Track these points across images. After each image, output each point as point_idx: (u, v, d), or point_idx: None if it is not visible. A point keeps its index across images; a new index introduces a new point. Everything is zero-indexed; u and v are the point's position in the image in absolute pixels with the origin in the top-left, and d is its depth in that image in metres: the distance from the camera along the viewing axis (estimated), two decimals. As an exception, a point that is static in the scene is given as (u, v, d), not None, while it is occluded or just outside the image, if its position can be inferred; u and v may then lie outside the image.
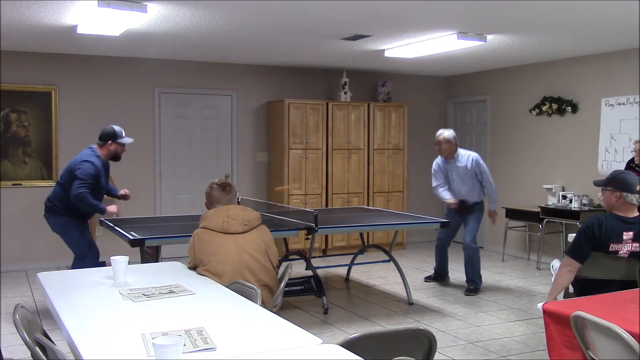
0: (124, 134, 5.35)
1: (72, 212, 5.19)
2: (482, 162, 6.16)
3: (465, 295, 6.11)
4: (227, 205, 3.72)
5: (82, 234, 5.28)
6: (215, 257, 3.50)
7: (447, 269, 6.67)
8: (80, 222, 5.28)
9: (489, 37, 6.03)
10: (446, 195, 6.23)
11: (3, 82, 6.95)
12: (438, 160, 6.32)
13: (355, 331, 2.89)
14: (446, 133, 6.16)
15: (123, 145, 5.35)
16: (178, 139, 7.92)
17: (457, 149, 6.18)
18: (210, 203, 3.82)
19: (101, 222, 5.46)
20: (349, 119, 8.23)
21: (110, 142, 5.26)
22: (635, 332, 2.41)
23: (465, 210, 6.23)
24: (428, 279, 6.72)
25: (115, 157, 5.38)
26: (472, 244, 6.15)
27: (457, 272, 6.79)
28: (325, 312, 5.38)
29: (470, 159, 6.13)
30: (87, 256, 5.21)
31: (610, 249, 3.58)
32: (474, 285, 6.19)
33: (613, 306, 2.96)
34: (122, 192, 5.60)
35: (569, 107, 7.38)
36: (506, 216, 7.75)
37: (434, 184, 6.35)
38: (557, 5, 4.75)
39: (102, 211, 5.16)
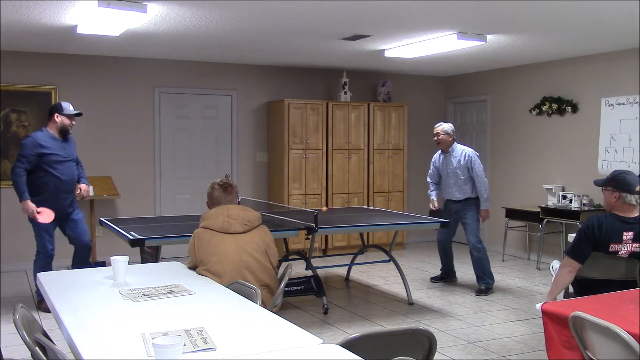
0: (70, 107, 5.31)
1: (39, 202, 5.15)
2: (476, 158, 6.15)
3: (476, 295, 6.08)
4: (227, 205, 3.73)
5: (38, 227, 5.23)
6: (215, 256, 3.50)
7: (453, 268, 6.66)
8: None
9: (489, 37, 6.03)
10: (431, 195, 6.46)
11: (3, 82, 6.95)
12: (436, 155, 6.45)
13: (355, 331, 2.89)
14: (445, 125, 6.26)
15: (70, 117, 5.26)
16: (178, 139, 7.92)
17: (453, 143, 6.23)
18: (211, 203, 3.83)
19: (101, 222, 5.45)
20: (349, 119, 8.23)
21: (56, 114, 5.20)
22: (635, 333, 2.41)
23: (458, 210, 6.23)
24: (434, 279, 6.70)
25: (64, 130, 5.28)
26: (477, 244, 6.15)
27: (458, 272, 6.77)
28: (325, 312, 5.38)
29: (464, 154, 6.17)
30: (41, 252, 5.26)
31: (610, 249, 3.58)
32: (485, 285, 6.16)
33: (612, 306, 2.96)
34: (80, 186, 5.49)
35: (569, 107, 7.38)
36: (506, 216, 7.75)
37: (428, 179, 6.58)
38: (557, 5, 4.75)
39: (20, 199, 5.10)
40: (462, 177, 6.16)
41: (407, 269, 7.05)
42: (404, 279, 5.83)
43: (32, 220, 5.24)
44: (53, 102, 7.22)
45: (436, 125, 6.31)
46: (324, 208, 6.57)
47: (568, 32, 5.88)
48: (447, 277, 6.65)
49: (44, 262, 5.31)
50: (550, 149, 7.72)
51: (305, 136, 7.97)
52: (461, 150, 6.19)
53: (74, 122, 5.33)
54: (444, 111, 9.41)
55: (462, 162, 6.14)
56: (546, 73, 7.75)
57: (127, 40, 6.22)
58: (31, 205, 5.12)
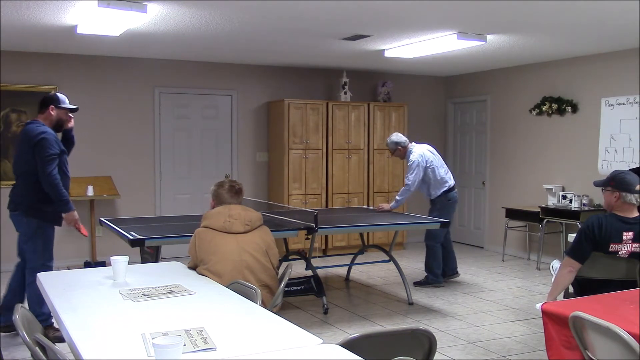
0: (67, 100, 4.69)
1: (44, 212, 4.47)
2: (413, 165, 6.24)
3: (414, 285, 6.32)
4: (229, 205, 3.72)
5: (51, 242, 4.57)
6: (215, 256, 3.50)
7: (451, 266, 6.66)
8: (53, 225, 4.59)
9: (489, 37, 6.03)
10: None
11: (3, 82, 6.95)
12: None
13: (355, 331, 2.89)
14: (391, 139, 6.46)
15: (67, 111, 4.65)
16: (178, 139, 7.92)
17: (407, 151, 6.39)
18: (217, 203, 3.80)
19: (101, 222, 5.45)
20: (349, 119, 8.23)
21: (52, 106, 4.55)
22: (635, 333, 2.41)
23: (430, 209, 6.49)
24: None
25: (60, 125, 4.63)
26: (426, 239, 6.43)
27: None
28: (325, 312, 5.38)
29: (410, 162, 6.33)
30: (43, 269, 4.19)
31: (610, 249, 3.58)
32: (424, 279, 6.41)
33: (612, 306, 2.97)
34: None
35: (569, 107, 7.38)
36: (506, 216, 7.75)
37: None
38: (557, 5, 4.75)
39: (65, 209, 4.43)
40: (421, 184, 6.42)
41: (407, 269, 7.05)
42: (404, 279, 5.83)
43: (46, 233, 4.53)
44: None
45: (386, 144, 6.56)
46: (382, 206, 6.54)
47: (568, 32, 5.88)
48: (445, 275, 6.64)
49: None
50: (550, 149, 7.72)
51: (305, 136, 7.97)
52: (410, 157, 6.33)
53: (71, 119, 4.73)
54: (444, 111, 9.41)
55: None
56: (546, 73, 7.75)
57: (127, 40, 6.22)
58: (76, 215, 4.54)
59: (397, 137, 6.44)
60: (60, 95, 4.67)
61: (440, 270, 6.41)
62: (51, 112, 4.56)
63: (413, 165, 6.24)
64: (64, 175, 4.50)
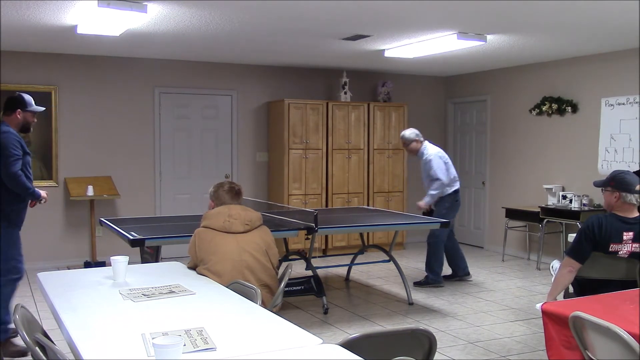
0: (33, 102, 4.59)
1: (7, 216, 4.35)
2: (435, 161, 6.22)
3: (414, 285, 6.28)
4: (229, 205, 3.73)
5: (18, 245, 4.45)
6: (215, 256, 3.50)
7: (461, 266, 6.65)
8: (17, 229, 4.46)
9: (489, 37, 6.03)
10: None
11: (3, 82, 6.95)
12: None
13: (355, 331, 2.89)
14: (406, 134, 6.44)
15: (33, 113, 4.58)
16: (178, 139, 7.92)
17: (422, 146, 6.37)
18: (216, 204, 3.81)
19: (101, 222, 5.45)
20: (349, 119, 8.23)
21: (18, 110, 4.46)
22: (635, 333, 2.41)
23: (434, 208, 6.43)
24: (445, 278, 6.69)
25: (26, 128, 4.57)
26: (428, 238, 6.37)
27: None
28: (325, 312, 5.38)
29: (426, 158, 6.31)
30: (14, 272, 4.33)
31: (610, 249, 3.58)
32: (425, 279, 6.37)
33: (612, 306, 2.97)
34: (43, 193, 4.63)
35: (569, 107, 7.38)
36: (506, 216, 7.75)
37: None
38: (557, 5, 4.75)
39: (33, 197, 4.43)
40: (426, 179, 6.36)
41: (407, 269, 7.05)
42: (404, 279, 5.83)
43: (12, 239, 4.42)
44: (53, 102, 7.23)
45: (400, 137, 6.53)
46: (419, 205, 6.50)
47: (568, 32, 5.88)
48: (455, 275, 6.63)
49: (14, 286, 4.47)
50: (550, 149, 7.71)
51: (305, 136, 7.97)
52: (426, 155, 6.32)
53: (35, 120, 4.64)
54: (444, 111, 9.41)
55: (425, 166, 6.33)
56: (546, 73, 7.75)
57: (127, 40, 6.22)
58: (44, 193, 4.55)
59: (416, 131, 6.43)
60: (27, 97, 4.56)
61: (441, 270, 6.39)
62: (17, 115, 4.47)
63: (433, 159, 6.21)
64: (27, 178, 4.41)
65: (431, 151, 6.31)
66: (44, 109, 4.83)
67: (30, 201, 4.54)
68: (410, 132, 6.43)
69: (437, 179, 6.19)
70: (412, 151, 6.46)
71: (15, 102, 4.49)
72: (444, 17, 5.21)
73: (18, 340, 4.30)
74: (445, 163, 6.30)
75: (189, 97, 7.95)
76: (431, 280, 6.34)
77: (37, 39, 6.25)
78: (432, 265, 6.36)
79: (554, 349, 2.87)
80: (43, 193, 4.56)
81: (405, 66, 8.15)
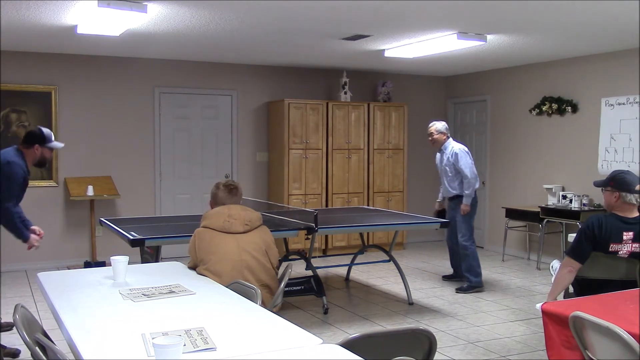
0: (52, 137, 4.59)
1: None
2: (462, 155, 6.14)
3: (456, 292, 6.16)
4: (228, 205, 3.73)
5: None
6: (215, 256, 3.51)
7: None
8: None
9: (489, 37, 6.03)
10: (438, 196, 6.65)
11: (3, 82, 6.95)
12: (438, 153, 6.48)
13: (355, 331, 2.89)
14: (438, 125, 6.33)
15: (51, 150, 4.58)
16: (178, 139, 7.92)
17: (447, 141, 6.28)
18: (215, 203, 3.82)
19: (101, 222, 5.45)
20: (349, 119, 8.23)
21: (37, 145, 4.45)
22: (635, 333, 2.41)
23: (452, 207, 6.32)
24: (446, 278, 6.72)
25: (42, 163, 4.60)
26: (463, 242, 6.21)
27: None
28: (325, 312, 5.38)
29: (452, 151, 6.21)
30: None
31: (610, 249, 3.58)
32: (467, 283, 6.21)
33: (612, 306, 2.97)
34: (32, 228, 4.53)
35: (569, 107, 7.38)
36: (506, 216, 7.74)
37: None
38: (557, 5, 4.75)
39: (24, 240, 4.35)
40: (449, 175, 6.24)
41: (407, 269, 7.05)
42: (404, 279, 5.83)
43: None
44: (53, 102, 7.23)
45: (430, 125, 6.38)
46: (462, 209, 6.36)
47: (568, 32, 5.88)
48: (456, 275, 6.61)
49: None
50: (550, 149, 7.71)
51: (305, 136, 7.97)
52: (450, 148, 6.24)
53: (51, 156, 4.68)
54: (444, 111, 9.41)
55: (450, 160, 6.21)
56: (546, 73, 7.75)
57: (127, 40, 6.22)
58: (34, 236, 4.47)
59: (446, 124, 6.37)
60: (47, 132, 4.54)
61: (481, 269, 6.27)
62: (35, 150, 4.47)
63: (460, 153, 6.11)
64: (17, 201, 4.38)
65: (458, 145, 6.24)
66: (62, 145, 4.83)
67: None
68: (442, 124, 6.32)
69: (466, 177, 6.09)
70: (436, 142, 6.31)
71: (34, 137, 4.46)
72: (444, 17, 5.21)
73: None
74: (471, 159, 6.23)
75: (189, 97, 7.95)
76: (475, 283, 6.17)
77: (37, 39, 6.25)
78: (473, 267, 6.19)
79: (554, 349, 2.87)
80: (34, 237, 4.42)
81: (405, 66, 8.15)
